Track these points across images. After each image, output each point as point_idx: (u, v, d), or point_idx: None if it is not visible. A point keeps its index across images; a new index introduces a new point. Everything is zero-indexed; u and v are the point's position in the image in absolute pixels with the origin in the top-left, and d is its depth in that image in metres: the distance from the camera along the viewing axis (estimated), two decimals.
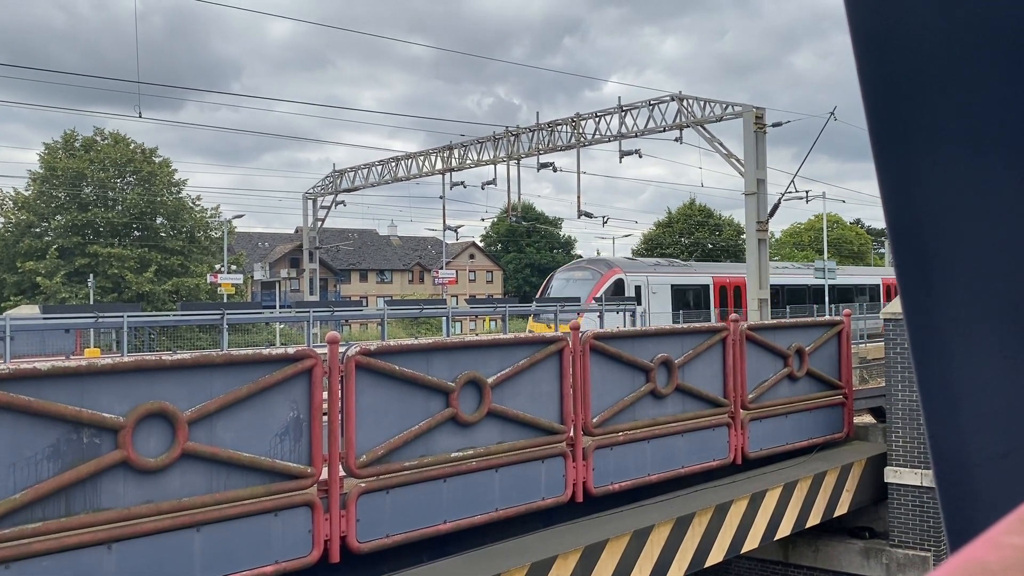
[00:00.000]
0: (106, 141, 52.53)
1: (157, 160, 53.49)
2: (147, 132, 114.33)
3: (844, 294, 43.06)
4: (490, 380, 8.62)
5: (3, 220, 51.25)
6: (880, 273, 49.41)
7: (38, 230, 50.87)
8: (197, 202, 55.17)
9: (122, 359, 6.82)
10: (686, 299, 35.73)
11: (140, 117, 33.18)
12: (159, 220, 52.85)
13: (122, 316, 19.59)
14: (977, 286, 0.97)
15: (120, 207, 51.69)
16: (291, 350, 7.54)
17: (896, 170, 0.97)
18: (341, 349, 7.81)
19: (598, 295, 32.51)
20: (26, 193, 51.01)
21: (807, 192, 46.57)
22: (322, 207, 46.01)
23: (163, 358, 6.74)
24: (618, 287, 33.64)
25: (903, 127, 0.96)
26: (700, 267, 41.05)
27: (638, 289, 34.15)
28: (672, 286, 35.65)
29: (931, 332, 1.00)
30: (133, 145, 53.13)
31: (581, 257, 69.60)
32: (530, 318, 34.01)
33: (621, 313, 31.06)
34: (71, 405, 6.10)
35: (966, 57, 0.91)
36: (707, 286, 37.30)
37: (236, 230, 61.96)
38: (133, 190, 52.00)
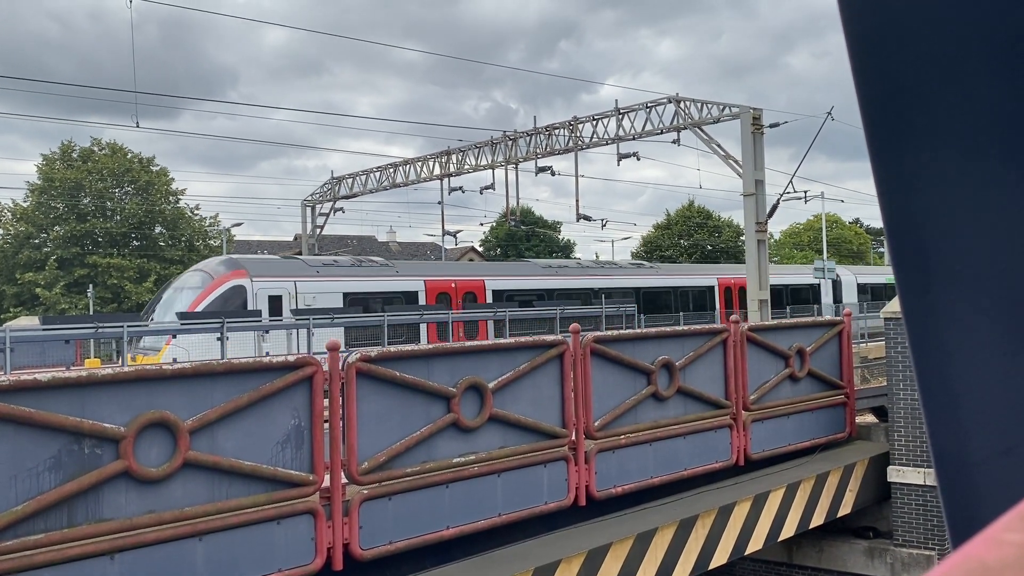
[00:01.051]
0: (103, 151, 52.51)
1: (155, 169, 53.50)
2: (144, 141, 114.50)
3: (658, 297, 33.85)
4: (491, 385, 8.62)
5: (2, 232, 51.28)
6: (716, 272, 38.34)
7: (37, 241, 50.85)
8: (196, 211, 55.23)
9: (122, 369, 6.82)
10: (380, 311, 24.25)
11: (137, 127, 32.98)
12: (158, 229, 52.83)
13: (122, 326, 19.56)
14: (975, 284, 0.96)
15: (119, 217, 51.70)
16: (291, 357, 7.54)
17: (892, 168, 0.97)
18: (341, 356, 7.82)
19: (199, 308, 23.22)
20: (24, 204, 51.02)
21: (806, 192, 46.57)
22: (321, 214, 45.96)
23: (164, 367, 6.75)
24: (237, 297, 24.06)
25: (899, 125, 0.96)
26: (408, 267, 30.33)
27: (275, 300, 24.40)
28: (346, 295, 25.50)
29: (930, 330, 1.00)
30: (131, 155, 53.14)
31: (579, 260, 69.31)
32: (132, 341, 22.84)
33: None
34: (72, 416, 6.10)
35: (962, 54, 0.91)
36: (415, 292, 27.34)
37: (235, 238, 61.89)
38: (131, 200, 52.00)
